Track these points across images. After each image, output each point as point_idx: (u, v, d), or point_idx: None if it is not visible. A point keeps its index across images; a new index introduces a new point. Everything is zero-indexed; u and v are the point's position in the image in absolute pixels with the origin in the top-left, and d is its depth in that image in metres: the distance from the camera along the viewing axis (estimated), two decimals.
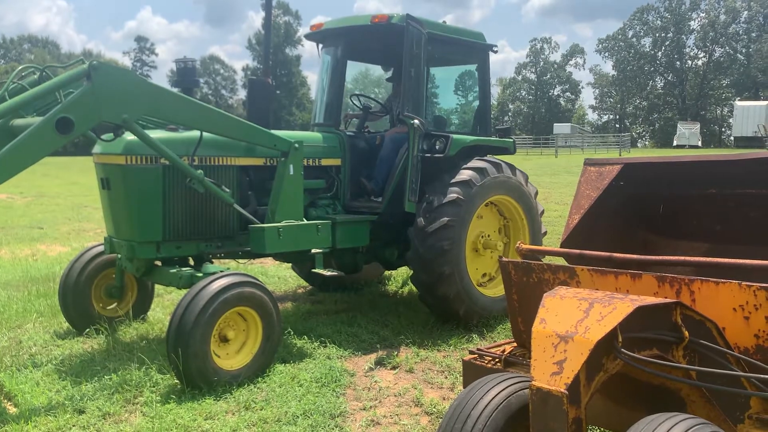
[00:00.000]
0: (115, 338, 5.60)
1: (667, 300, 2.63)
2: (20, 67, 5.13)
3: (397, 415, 4.16)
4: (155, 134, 4.95)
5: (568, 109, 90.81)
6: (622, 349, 2.46)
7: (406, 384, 4.68)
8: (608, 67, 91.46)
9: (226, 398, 4.34)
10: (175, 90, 5.09)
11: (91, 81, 4.31)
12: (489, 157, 6.33)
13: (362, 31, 6.40)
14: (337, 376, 4.71)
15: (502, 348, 3.83)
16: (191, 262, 5.51)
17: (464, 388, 3.78)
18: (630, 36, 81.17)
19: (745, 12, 75.78)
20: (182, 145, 5.08)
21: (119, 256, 5.43)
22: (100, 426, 3.98)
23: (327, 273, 5.58)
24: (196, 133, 5.08)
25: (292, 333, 5.69)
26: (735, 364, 2.63)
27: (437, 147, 6.13)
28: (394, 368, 5.01)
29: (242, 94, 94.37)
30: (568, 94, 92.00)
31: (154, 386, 4.49)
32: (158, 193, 5.07)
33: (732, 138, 59.01)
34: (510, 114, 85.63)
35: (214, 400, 4.31)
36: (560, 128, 66.23)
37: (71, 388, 4.50)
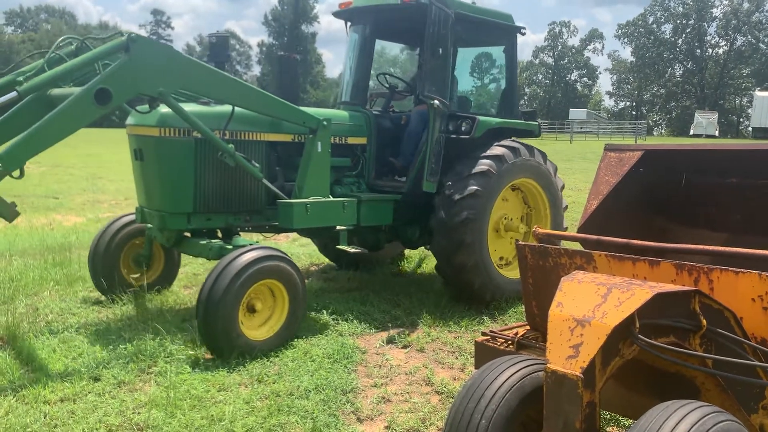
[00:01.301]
0: (131, 308, 5.66)
1: (686, 288, 2.62)
2: (60, 39, 5.18)
3: (407, 393, 4.20)
4: (188, 107, 4.99)
5: (585, 95, 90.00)
6: (639, 335, 2.46)
7: (417, 363, 4.71)
8: (627, 53, 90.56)
9: (239, 371, 4.39)
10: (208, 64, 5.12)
11: (129, 53, 4.38)
12: (522, 141, 6.39)
13: (391, 10, 6.33)
14: (349, 353, 4.75)
15: (514, 331, 3.84)
16: (218, 235, 5.61)
17: (476, 369, 3.81)
18: (650, 22, 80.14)
19: None
20: (214, 119, 5.14)
21: (149, 225, 5.53)
22: (115, 393, 4.04)
23: (351, 250, 5.71)
24: (227, 108, 5.15)
25: (308, 309, 5.73)
26: (752, 354, 2.63)
27: (463, 128, 6.15)
28: (405, 347, 5.04)
29: (257, 69, 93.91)
30: (585, 79, 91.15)
31: (168, 357, 4.54)
32: (190, 166, 5.15)
33: (750, 128, 58.32)
34: (526, 98, 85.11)
35: (227, 372, 4.36)
36: (576, 114, 65.68)
37: (87, 355, 4.56)
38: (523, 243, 3.63)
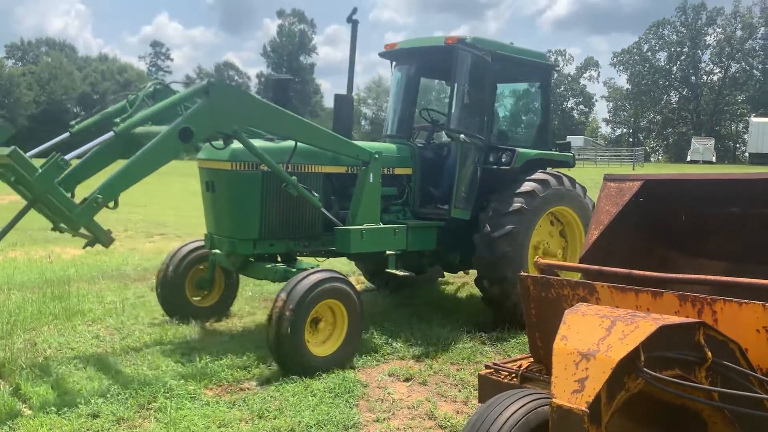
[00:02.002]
0: (132, 341, 5.62)
1: (691, 320, 2.61)
2: (150, 83, 5.79)
3: (410, 428, 4.15)
4: (256, 143, 5.37)
5: (582, 122, 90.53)
6: (645, 369, 2.44)
7: (420, 396, 4.66)
8: (622, 81, 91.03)
9: (239, 406, 4.35)
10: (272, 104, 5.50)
11: (209, 96, 4.88)
12: (550, 170, 6.80)
13: (436, 51, 6.80)
14: (350, 387, 4.70)
15: (518, 363, 3.81)
16: (278, 259, 6.00)
17: (480, 402, 3.77)
18: (645, 50, 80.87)
19: (762, 28, 75.30)
20: (279, 154, 5.58)
21: (214, 251, 5.98)
22: (114, 431, 3.99)
23: (400, 273, 6.18)
24: (290, 143, 5.62)
25: None
26: (758, 386, 2.60)
27: (503, 159, 6.63)
28: (407, 380, 4.99)
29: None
30: (581, 106, 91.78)
31: (168, 392, 4.49)
32: (257, 196, 5.61)
33: (747, 154, 58.60)
34: (522, 125, 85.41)
35: (227, 407, 4.31)
36: (573, 141, 65.70)
37: (86, 391, 4.51)
38: (525, 274, 3.62)
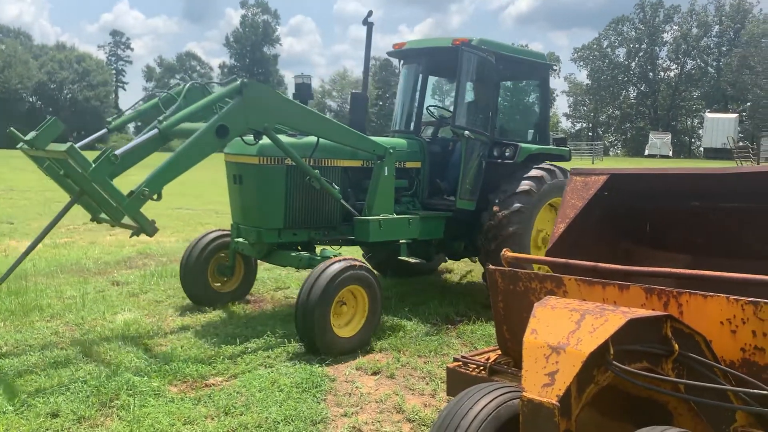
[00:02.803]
0: (93, 336, 5.48)
1: (658, 313, 2.65)
2: (189, 83, 6.09)
3: (378, 422, 4.13)
4: (282, 139, 5.67)
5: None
6: (614, 362, 2.47)
7: (387, 390, 4.65)
8: (583, 76, 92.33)
9: (205, 403, 4.27)
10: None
11: (242, 95, 5.17)
12: (555, 164, 7.21)
13: (443, 51, 7.14)
14: (317, 382, 4.66)
15: (486, 356, 3.83)
16: (298, 248, 6.35)
17: (448, 395, 3.78)
18: (605, 46, 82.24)
19: (717, 26, 77.37)
20: (301, 149, 5.92)
21: (237, 239, 6.33)
22: (74, 430, 3.88)
23: (412, 260, 6.52)
24: (312, 139, 5.94)
25: (270, 335, 5.64)
26: (722, 377, 2.66)
27: (507, 154, 7.04)
28: (375, 374, 4.98)
29: (218, 91, 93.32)
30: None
31: (131, 389, 4.38)
32: (282, 189, 5.96)
33: (702, 149, 60.15)
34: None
35: (193, 404, 4.23)
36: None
37: (45, 389, 4.38)
38: (493, 267, 3.63)
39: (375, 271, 5.69)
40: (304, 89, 6.36)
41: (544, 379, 2.49)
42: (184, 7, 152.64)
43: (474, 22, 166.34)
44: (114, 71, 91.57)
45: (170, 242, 10.85)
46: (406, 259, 6.47)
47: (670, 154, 58.04)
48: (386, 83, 78.21)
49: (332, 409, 4.30)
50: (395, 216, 6.39)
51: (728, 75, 72.61)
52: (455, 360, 3.78)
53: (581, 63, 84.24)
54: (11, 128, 5.44)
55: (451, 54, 6.81)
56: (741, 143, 45.83)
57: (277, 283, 7.89)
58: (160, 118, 5.28)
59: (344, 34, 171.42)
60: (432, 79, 8.42)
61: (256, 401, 4.30)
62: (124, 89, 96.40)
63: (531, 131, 7.99)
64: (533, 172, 6.79)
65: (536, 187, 6.67)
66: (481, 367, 3.64)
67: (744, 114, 69.33)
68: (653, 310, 3.01)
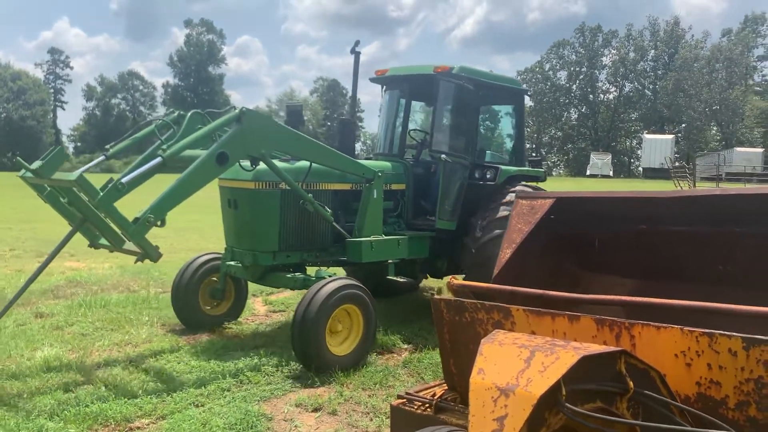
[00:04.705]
0: (4, 379, 5.02)
1: (612, 348, 2.47)
2: (191, 112, 6.12)
3: None
4: (276, 164, 5.77)
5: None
6: (566, 404, 2.27)
7: (329, 428, 4.37)
8: (526, 99, 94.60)
9: None
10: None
11: (241, 124, 5.32)
12: (530, 184, 7.49)
13: (425, 78, 7.32)
14: (253, 422, 4.34)
15: (432, 391, 3.61)
16: (291, 270, 6.44)
17: None
18: (547, 69, 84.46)
19: (652, 51, 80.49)
20: (294, 174, 6.01)
21: (229, 263, 6.42)
22: None
23: (401, 279, 6.73)
24: (304, 163, 6.08)
25: (204, 369, 5.30)
26: (679, 415, 2.49)
27: (488, 176, 7.28)
28: (316, 410, 4.68)
29: (162, 111, 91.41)
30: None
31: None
32: (277, 212, 6.11)
33: (640, 169, 62.08)
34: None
35: None
36: None
37: None
38: (438, 297, 3.43)
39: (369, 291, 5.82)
40: (295, 115, 6.55)
41: (492, 425, 2.27)
42: (127, 26, 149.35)
43: (421, 45, 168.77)
44: (52, 90, 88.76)
45: (102, 269, 10.29)
46: (396, 278, 6.67)
47: (611, 173, 59.69)
48: (334, 103, 78.29)
49: None
50: (386, 237, 6.61)
51: (664, 98, 75.47)
52: (399, 397, 3.55)
53: (524, 85, 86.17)
54: (18, 157, 5.62)
55: (431, 81, 7.13)
56: (677, 163, 47.45)
57: None
58: (164, 146, 5.39)
59: (292, 55, 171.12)
60: (415, 103, 8.65)
61: None
62: (63, 108, 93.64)
63: (508, 153, 8.33)
64: (510, 197, 6.94)
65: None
66: (427, 405, 3.42)
67: (679, 135, 72.06)
68: (605, 342, 2.86)
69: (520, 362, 2.41)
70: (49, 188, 5.43)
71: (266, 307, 7.92)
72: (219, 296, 6.78)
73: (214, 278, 6.75)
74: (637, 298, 3.12)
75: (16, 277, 9.48)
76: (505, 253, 4.01)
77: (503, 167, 7.37)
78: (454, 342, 3.44)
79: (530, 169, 8.02)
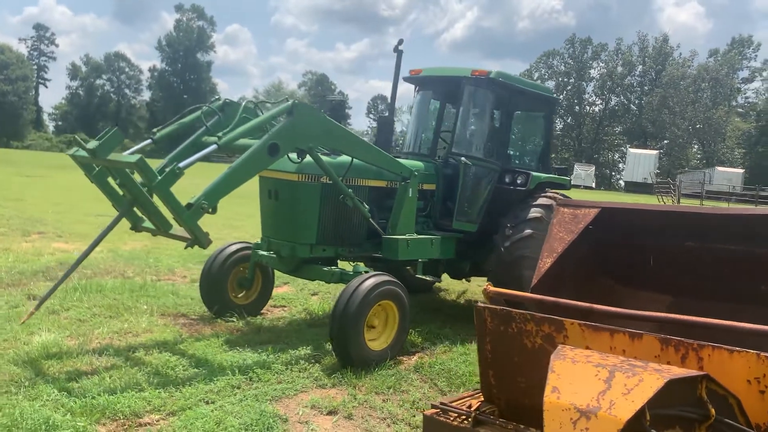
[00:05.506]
0: (1, 366, 4.77)
1: (694, 372, 2.35)
2: (246, 101, 6.23)
3: None
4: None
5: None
6: (651, 429, 2.14)
7: None
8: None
9: None
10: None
11: (293, 116, 5.41)
12: (558, 191, 7.57)
13: (460, 81, 7.28)
14: (269, 423, 4.15)
15: (467, 402, 3.46)
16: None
17: None
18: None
19: (640, 66, 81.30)
20: (336, 168, 6.03)
21: (261, 252, 6.49)
22: None
23: (430, 278, 6.84)
24: (345, 158, 6.10)
25: (210, 364, 5.10)
26: None
27: (519, 181, 7.33)
28: (331, 413, 4.51)
29: (147, 95, 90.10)
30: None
31: (52, 429, 3.74)
32: (317, 205, 6.15)
33: (622, 182, 62.64)
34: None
35: None
36: None
37: None
38: (483, 305, 3.28)
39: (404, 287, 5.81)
40: (339, 109, 6.72)
41: None
42: (116, 7, 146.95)
43: (410, 46, 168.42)
44: (36, 66, 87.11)
45: (94, 253, 9.97)
46: (425, 277, 6.69)
47: (593, 185, 60.08)
48: (322, 98, 77.83)
49: None
50: (421, 236, 6.67)
51: (649, 113, 76.28)
52: (433, 406, 3.39)
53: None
54: (76, 136, 5.67)
55: (467, 84, 7.19)
56: (660, 179, 47.91)
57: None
58: (220, 134, 5.44)
59: (280, 47, 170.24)
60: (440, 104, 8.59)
61: None
62: (46, 86, 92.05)
63: (535, 160, 8.36)
64: (542, 200, 7.06)
65: (546, 214, 6.85)
66: (464, 417, 3.26)
67: (662, 151, 72.85)
68: (669, 362, 2.73)
69: (599, 382, 2.27)
70: (97, 168, 5.37)
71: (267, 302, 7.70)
72: (247, 285, 6.81)
73: (242, 268, 6.78)
74: (700, 318, 2.99)
75: (4, 257, 9.14)
76: (545, 262, 3.88)
77: (533, 174, 7.42)
78: (495, 353, 3.30)
79: (558, 176, 8.08)
